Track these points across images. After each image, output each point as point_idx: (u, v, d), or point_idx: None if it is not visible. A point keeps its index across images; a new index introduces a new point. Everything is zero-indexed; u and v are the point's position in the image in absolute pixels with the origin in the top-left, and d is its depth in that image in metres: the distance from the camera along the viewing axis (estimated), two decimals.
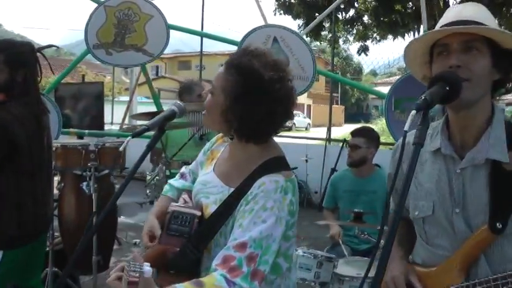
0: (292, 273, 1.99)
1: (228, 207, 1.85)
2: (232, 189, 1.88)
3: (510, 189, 1.62)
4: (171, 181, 2.30)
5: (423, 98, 1.43)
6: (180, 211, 1.93)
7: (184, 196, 2.10)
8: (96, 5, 6.24)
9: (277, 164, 1.90)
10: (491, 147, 1.66)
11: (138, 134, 2.03)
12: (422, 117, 1.41)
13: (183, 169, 2.34)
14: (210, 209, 1.91)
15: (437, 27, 1.73)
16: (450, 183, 1.73)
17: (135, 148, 3.04)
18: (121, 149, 2.04)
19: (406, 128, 1.36)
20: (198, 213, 1.93)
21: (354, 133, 4.49)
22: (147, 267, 1.53)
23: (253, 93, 1.82)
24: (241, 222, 1.76)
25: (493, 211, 1.63)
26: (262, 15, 5.83)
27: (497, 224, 1.61)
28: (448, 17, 1.73)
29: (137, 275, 1.51)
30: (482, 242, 1.65)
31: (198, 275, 1.80)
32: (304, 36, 7.02)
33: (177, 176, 2.33)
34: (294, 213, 1.85)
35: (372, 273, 1.32)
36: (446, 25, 1.68)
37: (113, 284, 1.66)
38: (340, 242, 4.07)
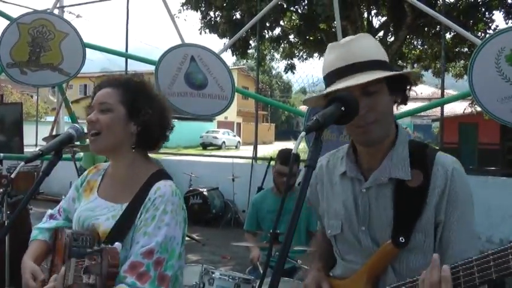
0: None
1: (127, 219, 1.88)
2: (125, 205, 1.92)
3: (412, 205, 1.68)
4: (38, 225, 2.19)
5: (315, 119, 1.39)
6: (79, 232, 1.88)
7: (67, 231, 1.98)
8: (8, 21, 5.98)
9: (164, 174, 2.03)
10: (394, 167, 1.72)
11: (31, 159, 1.97)
12: (315, 138, 1.38)
13: (50, 211, 2.26)
14: (104, 226, 1.90)
15: (328, 64, 1.74)
16: (356, 202, 1.78)
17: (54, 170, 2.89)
18: (12, 175, 1.94)
19: (294, 150, 1.33)
20: (96, 232, 1.91)
21: (285, 161, 4.39)
22: None
23: (148, 104, 1.98)
24: (145, 230, 1.83)
25: (396, 226, 1.68)
26: (179, 33, 5.76)
27: (400, 238, 1.66)
28: (337, 58, 1.71)
29: None
30: (387, 255, 1.70)
31: None
32: (230, 54, 7.01)
33: (45, 219, 2.23)
34: (186, 220, 1.96)
35: None
36: (340, 69, 1.68)
37: None
38: (258, 264, 4.02)
